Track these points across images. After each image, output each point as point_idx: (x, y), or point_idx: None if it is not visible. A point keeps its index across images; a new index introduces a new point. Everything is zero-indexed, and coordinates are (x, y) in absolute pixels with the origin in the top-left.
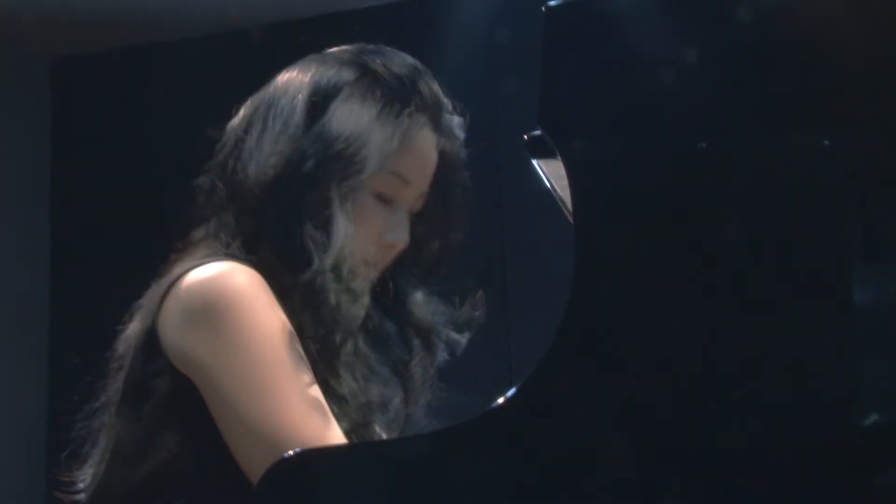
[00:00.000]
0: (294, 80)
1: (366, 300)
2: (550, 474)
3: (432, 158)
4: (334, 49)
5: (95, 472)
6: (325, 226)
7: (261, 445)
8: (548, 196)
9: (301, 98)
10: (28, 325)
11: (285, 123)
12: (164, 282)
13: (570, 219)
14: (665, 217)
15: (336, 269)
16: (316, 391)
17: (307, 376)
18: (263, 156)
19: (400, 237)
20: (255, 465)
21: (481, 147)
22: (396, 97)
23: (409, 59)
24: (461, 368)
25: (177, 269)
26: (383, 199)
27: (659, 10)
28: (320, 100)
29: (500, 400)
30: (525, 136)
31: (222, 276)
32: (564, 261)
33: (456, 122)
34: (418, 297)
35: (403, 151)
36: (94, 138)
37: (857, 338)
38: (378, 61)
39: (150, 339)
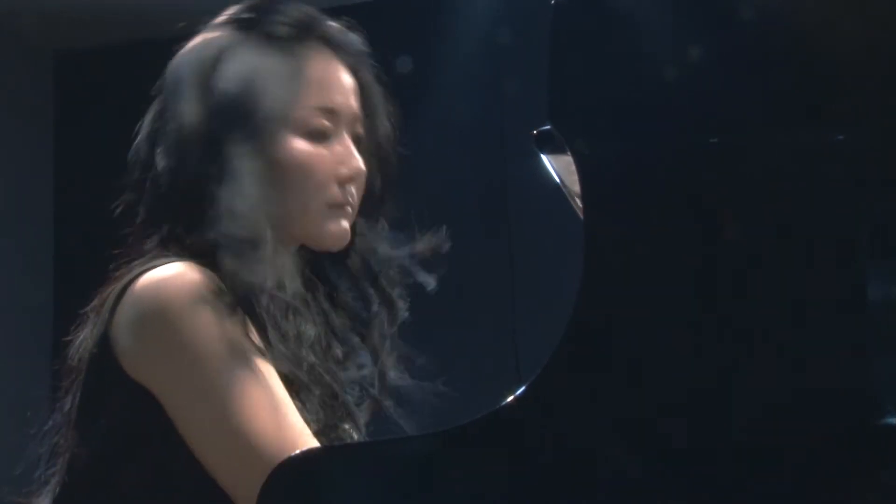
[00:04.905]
0: (182, 61)
1: (281, 264)
2: (558, 474)
3: (344, 78)
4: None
5: (54, 497)
6: (238, 193)
7: (241, 456)
8: (557, 192)
9: (189, 79)
10: (31, 326)
11: (182, 106)
12: (117, 286)
13: (580, 215)
14: (676, 214)
15: (252, 237)
16: (283, 391)
17: (273, 377)
18: (171, 142)
19: (353, 165)
20: (237, 477)
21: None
22: (280, 36)
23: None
24: (468, 366)
25: (126, 274)
26: (318, 137)
27: (669, 4)
28: (206, 77)
29: (509, 399)
30: (534, 132)
31: (174, 278)
32: (573, 258)
33: (352, 38)
34: (374, 236)
35: (310, 83)
36: (98, 133)
37: (867, 336)
38: (252, 14)
39: (104, 349)
